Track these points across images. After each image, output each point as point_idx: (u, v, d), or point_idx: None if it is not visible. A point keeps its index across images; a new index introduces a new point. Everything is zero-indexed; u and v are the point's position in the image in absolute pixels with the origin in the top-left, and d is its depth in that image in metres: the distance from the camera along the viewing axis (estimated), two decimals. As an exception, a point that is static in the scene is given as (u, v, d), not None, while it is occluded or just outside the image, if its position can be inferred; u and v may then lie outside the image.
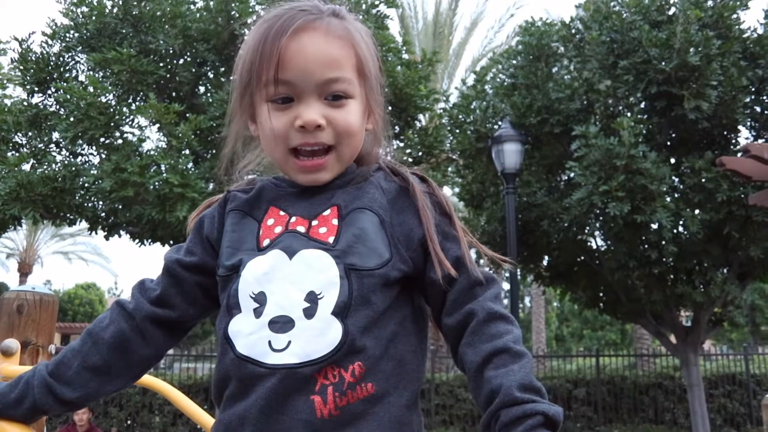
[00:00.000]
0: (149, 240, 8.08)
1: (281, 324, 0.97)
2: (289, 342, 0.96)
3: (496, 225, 9.09)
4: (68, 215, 7.61)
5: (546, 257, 9.66)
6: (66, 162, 7.64)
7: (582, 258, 9.15)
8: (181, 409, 1.82)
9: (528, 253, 9.29)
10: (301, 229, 1.05)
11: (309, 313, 0.97)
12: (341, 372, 0.95)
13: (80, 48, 7.96)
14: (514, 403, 0.88)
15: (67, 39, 7.95)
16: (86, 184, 7.31)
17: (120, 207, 7.14)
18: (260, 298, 1.00)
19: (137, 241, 8.25)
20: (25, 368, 2.10)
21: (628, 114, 8.06)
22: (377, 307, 0.99)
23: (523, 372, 0.92)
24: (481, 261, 1.30)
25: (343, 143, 1.06)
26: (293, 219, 1.07)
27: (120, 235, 8.00)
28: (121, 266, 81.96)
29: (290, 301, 0.98)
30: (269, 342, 0.97)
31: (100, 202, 7.52)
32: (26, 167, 7.76)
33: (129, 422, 10.06)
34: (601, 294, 9.55)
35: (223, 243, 1.10)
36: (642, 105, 8.22)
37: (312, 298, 0.98)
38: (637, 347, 16.13)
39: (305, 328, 0.97)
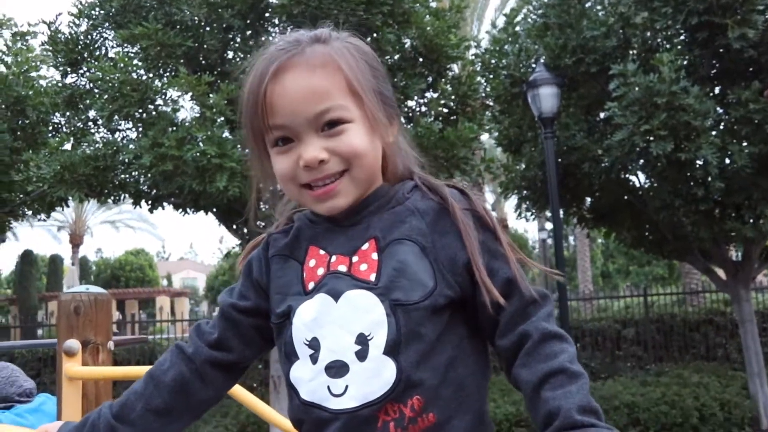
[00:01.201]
0: (192, 210, 8.22)
1: (336, 369, 1.00)
2: (347, 386, 0.99)
3: (536, 170, 8.97)
4: (112, 192, 7.76)
5: (588, 199, 9.53)
6: (105, 140, 7.76)
7: (625, 198, 8.99)
8: (257, 413, 1.87)
9: (569, 196, 9.17)
10: (343, 268, 1.05)
11: (361, 355, 0.99)
12: (401, 407, 0.97)
13: (107, 25, 7.97)
14: (574, 426, 0.88)
15: (94, 17, 7.96)
16: (126, 161, 7.42)
17: (161, 180, 7.24)
18: (314, 344, 1.02)
19: (180, 210, 8.40)
20: (87, 369, 2.18)
21: (668, 47, 7.77)
22: (428, 338, 0.99)
23: (582, 393, 0.92)
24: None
25: (354, 165, 1.05)
26: (333, 258, 1.07)
27: (164, 207, 8.15)
28: (168, 231, 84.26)
29: (341, 345, 1.00)
30: (328, 387, 1.00)
31: (142, 177, 7.65)
32: (67, 146, 7.92)
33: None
34: (646, 233, 9.41)
35: (272, 290, 1.12)
36: (682, 37, 7.90)
37: (362, 340, 0.99)
38: (685, 282, 15.93)
39: (359, 371, 0.98)
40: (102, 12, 7.93)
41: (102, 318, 2.27)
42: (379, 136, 1.08)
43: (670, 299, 12.12)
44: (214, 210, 8.38)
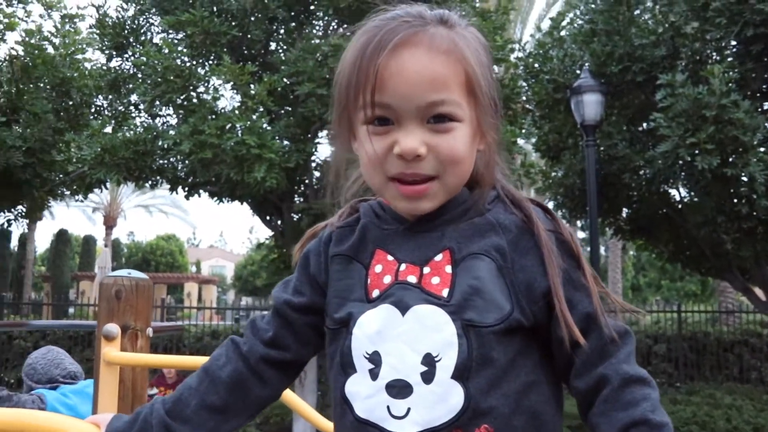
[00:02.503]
0: (228, 199, 8.25)
1: (399, 389, 0.93)
2: (409, 409, 0.92)
3: (575, 178, 8.82)
4: (150, 177, 7.83)
5: (625, 210, 9.36)
6: (146, 125, 7.82)
7: (665, 211, 8.81)
8: (299, 413, 1.84)
9: (607, 206, 9.01)
10: (412, 279, 0.97)
11: (427, 377, 0.92)
12: None
13: (154, 11, 8.04)
14: None
15: (141, 2, 8.04)
16: (165, 146, 7.47)
17: (199, 168, 7.27)
18: (375, 359, 0.95)
19: (216, 199, 8.45)
20: (126, 355, 2.16)
21: (718, 59, 7.58)
22: (500, 362, 0.92)
23: None
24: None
25: (448, 172, 0.96)
26: (403, 267, 0.98)
27: (200, 195, 8.19)
28: (199, 218, 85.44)
29: (406, 364, 0.93)
30: (388, 407, 0.93)
31: (180, 164, 7.69)
32: (107, 129, 8.01)
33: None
34: (684, 248, 9.20)
35: (330, 292, 1.04)
36: (734, 49, 7.70)
37: (429, 361, 0.92)
38: (720, 300, 15.57)
39: (424, 394, 0.91)
40: (149, -3, 8.01)
41: (142, 304, 2.25)
42: (478, 141, 1.00)
43: (703, 317, 11.85)
44: (250, 201, 8.41)
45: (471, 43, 0.98)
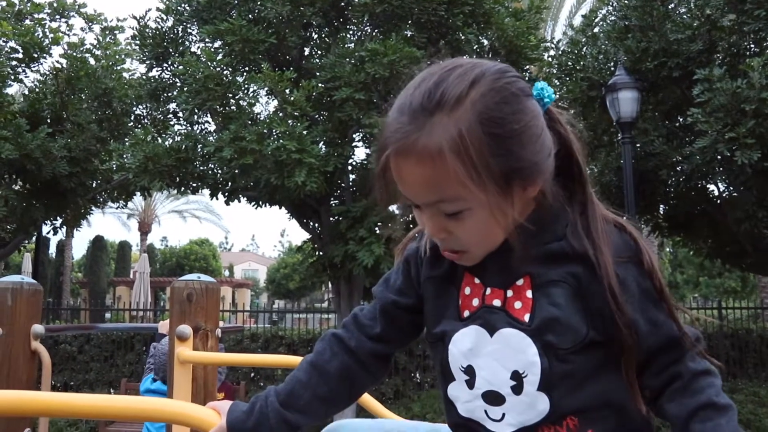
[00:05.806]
0: (267, 203, 8.38)
1: (493, 398, 1.06)
2: (503, 414, 1.06)
3: (611, 176, 8.79)
4: (191, 183, 7.99)
5: (662, 207, 9.28)
6: (186, 132, 7.99)
7: (703, 207, 8.72)
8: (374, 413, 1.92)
9: (644, 203, 8.95)
10: (497, 302, 1.07)
11: (516, 390, 1.05)
12: (556, 428, 1.04)
13: (193, 21, 8.21)
14: None
15: (180, 12, 8.21)
16: (205, 153, 7.62)
17: (239, 173, 7.40)
18: (469, 371, 1.08)
19: (254, 204, 8.58)
20: (199, 354, 2.26)
21: (757, 51, 7.49)
22: (581, 374, 1.03)
23: (731, 426, 0.97)
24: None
25: (473, 249, 1.04)
26: (488, 291, 1.08)
27: (239, 200, 8.33)
28: (231, 222, 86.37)
29: (498, 378, 1.06)
30: (485, 411, 1.07)
31: (219, 170, 7.84)
32: (148, 138, 8.20)
33: (253, 375, 10.63)
34: (724, 244, 9.10)
35: (427, 308, 1.17)
36: (774, 41, 7.60)
37: (517, 377, 1.04)
38: (761, 296, 15.30)
39: (515, 402, 1.05)
40: (189, 8, 8.17)
41: (211, 306, 2.35)
42: (514, 202, 0.99)
43: (744, 313, 11.66)
44: (287, 204, 8.53)
45: (463, 130, 0.94)
